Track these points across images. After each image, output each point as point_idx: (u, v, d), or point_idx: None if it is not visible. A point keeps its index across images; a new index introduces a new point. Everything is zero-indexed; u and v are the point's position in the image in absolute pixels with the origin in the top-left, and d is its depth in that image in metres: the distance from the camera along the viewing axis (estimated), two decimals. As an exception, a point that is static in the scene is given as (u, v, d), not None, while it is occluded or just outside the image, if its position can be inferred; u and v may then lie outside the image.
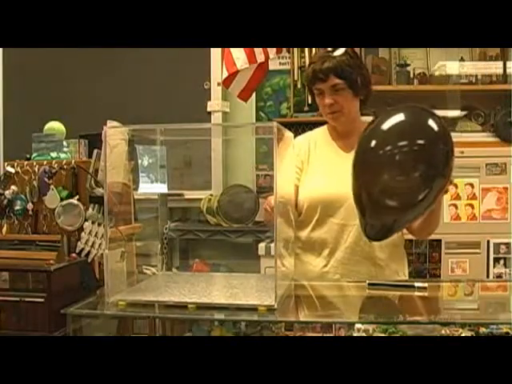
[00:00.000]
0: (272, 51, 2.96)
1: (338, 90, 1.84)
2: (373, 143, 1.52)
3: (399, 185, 1.46)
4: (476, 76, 3.33)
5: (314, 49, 3.41)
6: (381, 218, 1.55)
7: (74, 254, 1.64)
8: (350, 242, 1.86)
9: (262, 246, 3.05)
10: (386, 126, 1.52)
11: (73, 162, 1.75)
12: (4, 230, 1.75)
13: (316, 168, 1.95)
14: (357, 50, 3.10)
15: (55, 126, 2.01)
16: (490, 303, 1.72)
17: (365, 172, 1.54)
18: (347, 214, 1.83)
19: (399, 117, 1.53)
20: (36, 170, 1.74)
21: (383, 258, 1.85)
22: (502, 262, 3.02)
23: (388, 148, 1.47)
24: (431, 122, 1.48)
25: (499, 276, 3.00)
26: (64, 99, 3.60)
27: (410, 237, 1.92)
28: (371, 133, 1.56)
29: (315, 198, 1.89)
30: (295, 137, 1.78)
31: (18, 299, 1.49)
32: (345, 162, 1.89)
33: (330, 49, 1.84)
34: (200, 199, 3.35)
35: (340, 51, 1.82)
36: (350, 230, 1.85)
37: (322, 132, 2.05)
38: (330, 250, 1.88)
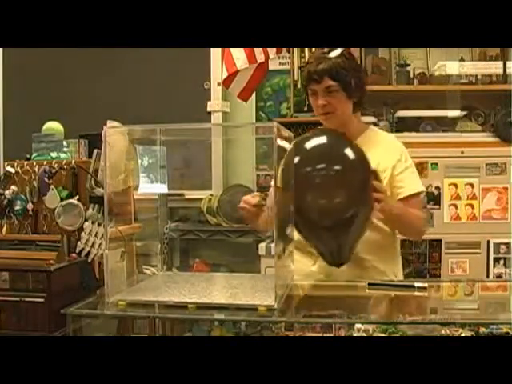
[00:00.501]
0: (272, 51, 2.96)
1: (331, 92, 1.84)
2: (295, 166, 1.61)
3: (324, 205, 1.59)
4: (476, 76, 3.33)
5: (313, 49, 3.42)
6: (325, 244, 1.70)
7: (73, 254, 1.64)
8: None
9: (262, 245, 3.05)
10: (306, 151, 1.67)
11: (73, 161, 1.75)
12: (4, 230, 1.76)
13: None
14: (357, 50, 3.13)
15: (54, 126, 2.02)
16: (489, 303, 1.72)
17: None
18: None
19: (319, 142, 1.71)
20: (36, 169, 1.74)
21: (369, 259, 1.83)
22: (501, 262, 3.02)
23: (308, 171, 1.62)
24: (348, 151, 1.65)
25: (499, 276, 3.00)
26: (64, 99, 3.60)
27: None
28: (294, 157, 1.64)
29: None
30: (295, 137, 1.77)
31: (18, 299, 1.49)
32: None
33: (326, 49, 1.85)
34: (200, 199, 3.36)
35: (336, 52, 1.82)
36: None
37: None
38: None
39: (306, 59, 3.38)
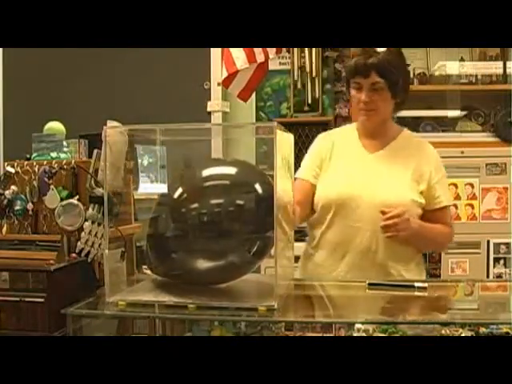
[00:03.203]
0: (272, 51, 2.96)
1: (376, 89, 1.79)
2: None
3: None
4: (476, 76, 3.33)
5: (313, 49, 3.42)
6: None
7: (73, 254, 1.64)
8: (362, 247, 1.81)
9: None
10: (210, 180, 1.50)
11: (73, 161, 1.74)
12: (4, 229, 1.75)
13: (336, 167, 1.92)
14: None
15: (55, 126, 2.01)
16: (489, 303, 1.72)
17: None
18: (362, 216, 1.80)
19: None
20: (36, 170, 1.73)
21: (396, 266, 1.82)
22: (501, 262, 3.02)
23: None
24: (257, 186, 1.44)
25: (499, 276, 3.01)
26: (64, 99, 3.59)
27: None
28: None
29: (330, 197, 1.85)
30: (295, 137, 1.77)
31: (18, 299, 1.49)
32: (366, 162, 1.89)
33: None
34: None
35: (385, 48, 1.76)
36: (364, 233, 1.81)
37: (349, 130, 2.00)
38: (342, 253, 1.84)
39: (307, 59, 3.39)
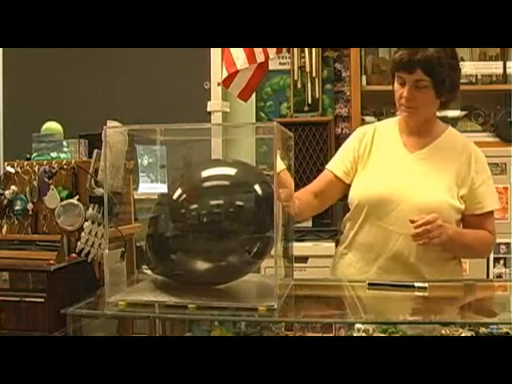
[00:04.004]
0: (272, 51, 2.96)
1: (420, 87, 1.71)
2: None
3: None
4: (476, 76, 3.33)
5: (313, 49, 3.42)
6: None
7: (73, 254, 1.64)
8: (395, 251, 1.77)
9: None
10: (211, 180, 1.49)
11: (73, 161, 1.74)
12: (4, 230, 1.75)
13: (373, 165, 1.85)
14: (357, 50, 3.11)
15: (52, 126, 2.01)
16: (490, 303, 1.72)
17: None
18: (397, 219, 1.75)
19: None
20: (36, 170, 1.73)
21: (430, 272, 1.77)
22: (501, 262, 3.02)
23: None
24: (257, 187, 1.42)
25: (499, 276, 3.00)
26: (64, 99, 3.60)
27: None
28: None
29: (365, 197, 1.80)
30: (295, 137, 1.76)
31: (18, 299, 1.49)
32: (406, 162, 1.81)
33: None
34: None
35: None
36: (397, 237, 1.76)
37: (390, 124, 1.92)
38: (374, 255, 1.80)
39: (307, 59, 3.39)
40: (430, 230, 1.62)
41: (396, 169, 1.82)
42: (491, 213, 1.84)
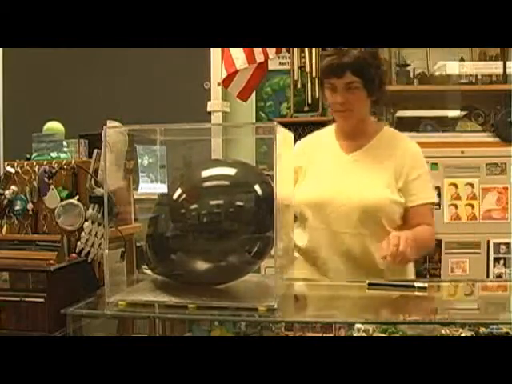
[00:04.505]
0: (271, 51, 2.96)
1: (352, 89, 1.74)
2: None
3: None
4: (476, 76, 3.33)
5: (313, 49, 3.42)
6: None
7: (73, 254, 1.64)
8: (343, 251, 1.80)
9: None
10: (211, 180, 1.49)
11: (73, 161, 1.74)
12: (4, 230, 1.75)
13: (313, 171, 1.89)
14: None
15: (54, 126, 2.01)
16: (489, 303, 1.72)
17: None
18: (338, 220, 1.78)
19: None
20: (36, 170, 1.73)
21: (384, 266, 1.76)
22: (501, 262, 3.02)
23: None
24: (257, 187, 1.42)
25: (499, 276, 3.01)
26: (64, 99, 3.60)
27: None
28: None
29: (306, 203, 1.83)
30: (295, 137, 1.76)
31: (18, 299, 1.49)
32: (343, 164, 1.85)
33: None
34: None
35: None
36: (343, 237, 1.79)
37: (328, 132, 1.96)
38: (323, 259, 1.82)
39: (307, 59, 3.39)
40: (398, 244, 1.60)
41: (334, 172, 1.85)
42: (428, 206, 1.85)
